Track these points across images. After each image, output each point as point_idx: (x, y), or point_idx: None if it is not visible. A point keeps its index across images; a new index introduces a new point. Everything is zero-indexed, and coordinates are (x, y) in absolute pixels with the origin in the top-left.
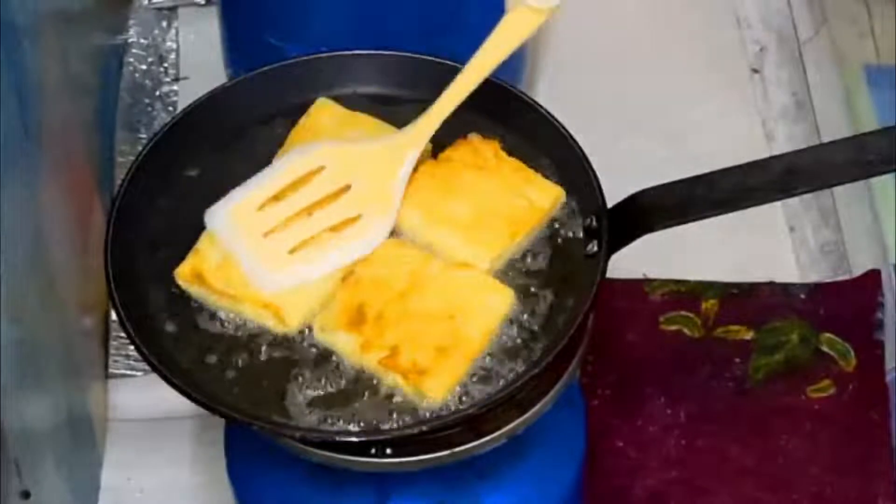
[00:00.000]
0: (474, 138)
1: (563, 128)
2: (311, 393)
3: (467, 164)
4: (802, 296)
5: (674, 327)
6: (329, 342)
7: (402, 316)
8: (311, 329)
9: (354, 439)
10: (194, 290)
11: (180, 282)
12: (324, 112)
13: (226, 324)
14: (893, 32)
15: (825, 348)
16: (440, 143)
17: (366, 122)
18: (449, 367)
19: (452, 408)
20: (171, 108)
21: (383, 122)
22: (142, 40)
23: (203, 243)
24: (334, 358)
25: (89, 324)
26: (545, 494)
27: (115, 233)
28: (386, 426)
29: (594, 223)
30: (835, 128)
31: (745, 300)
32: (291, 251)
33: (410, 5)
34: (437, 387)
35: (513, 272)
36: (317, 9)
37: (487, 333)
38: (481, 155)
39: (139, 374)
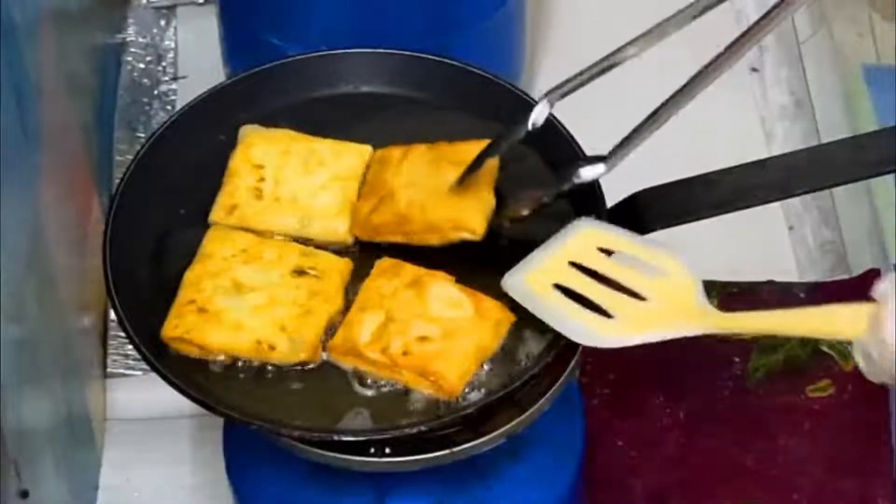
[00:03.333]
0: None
1: (563, 127)
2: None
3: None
4: (802, 295)
5: None
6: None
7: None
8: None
9: (353, 439)
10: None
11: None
12: (255, 138)
13: None
14: (893, 32)
15: (825, 348)
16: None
17: (299, 139)
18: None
19: (451, 407)
20: (169, 107)
21: (318, 138)
22: (140, 39)
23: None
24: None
25: (88, 323)
26: (544, 494)
27: (113, 231)
28: (385, 426)
29: None
30: (834, 128)
31: (744, 299)
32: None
33: (409, 4)
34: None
35: None
36: (315, 7)
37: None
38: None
39: (138, 373)
